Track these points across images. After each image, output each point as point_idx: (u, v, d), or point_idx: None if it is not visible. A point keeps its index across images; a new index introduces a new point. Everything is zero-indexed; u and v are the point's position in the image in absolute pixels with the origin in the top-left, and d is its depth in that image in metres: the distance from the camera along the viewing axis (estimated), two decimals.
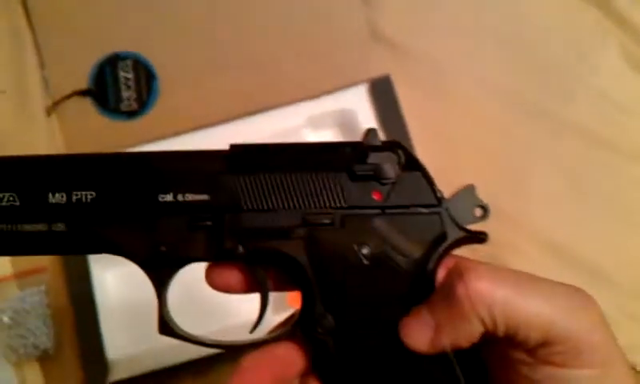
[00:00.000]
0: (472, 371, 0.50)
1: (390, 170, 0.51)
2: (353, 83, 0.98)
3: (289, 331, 0.52)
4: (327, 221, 0.51)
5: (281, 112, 0.97)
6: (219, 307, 0.91)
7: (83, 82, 1.02)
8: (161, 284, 0.53)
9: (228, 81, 1.01)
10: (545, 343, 0.45)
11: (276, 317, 0.90)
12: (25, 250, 0.52)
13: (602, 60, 1.02)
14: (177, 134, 0.97)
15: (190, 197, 0.50)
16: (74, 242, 0.51)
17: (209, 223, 0.50)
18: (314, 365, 0.52)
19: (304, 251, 0.50)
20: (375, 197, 0.51)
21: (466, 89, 1.01)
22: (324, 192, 0.51)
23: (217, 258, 0.51)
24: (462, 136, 0.97)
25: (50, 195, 0.50)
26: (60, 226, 0.50)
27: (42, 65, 1.02)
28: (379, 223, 0.50)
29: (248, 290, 0.54)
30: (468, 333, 0.46)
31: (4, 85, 1.02)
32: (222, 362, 0.90)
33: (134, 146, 0.95)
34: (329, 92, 0.97)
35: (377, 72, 0.99)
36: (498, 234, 0.57)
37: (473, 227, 0.52)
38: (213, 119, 0.97)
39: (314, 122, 0.97)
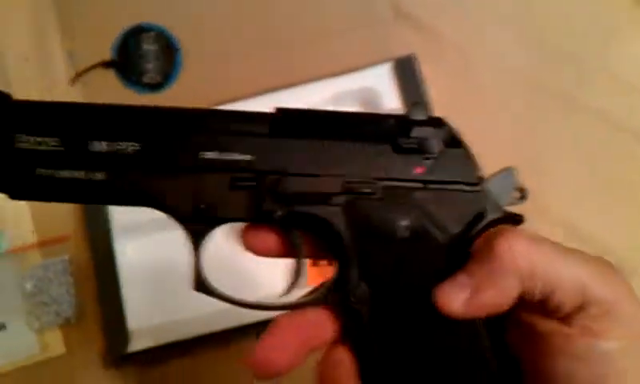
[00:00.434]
0: (504, 358, 0.50)
1: (434, 144, 0.51)
2: (377, 62, 0.97)
3: (322, 297, 0.52)
4: (368, 190, 0.50)
5: (304, 89, 0.97)
6: (245, 282, 0.91)
7: (107, 53, 1.02)
8: (197, 240, 0.52)
9: (252, 57, 1.01)
10: (580, 306, 0.45)
11: (298, 290, 0.92)
12: (61, 196, 0.52)
13: (627, 48, 1.02)
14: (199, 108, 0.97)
15: (234, 155, 0.50)
16: (113, 192, 0.51)
17: (250, 183, 0.51)
18: (345, 334, 0.53)
19: (343, 218, 0.50)
20: (417, 171, 0.51)
21: (490, 71, 1.01)
22: (366, 162, 0.51)
23: (255, 219, 0.51)
24: (484, 117, 0.97)
25: (94, 143, 0.50)
26: (99, 176, 0.50)
27: (65, 35, 1.03)
28: (420, 197, 0.50)
29: (282, 254, 0.54)
30: (507, 291, 0.46)
31: (28, 53, 1.03)
32: (244, 334, 0.91)
33: None
34: (353, 70, 0.97)
35: (401, 51, 0.98)
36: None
37: (510, 209, 0.52)
38: (236, 95, 0.97)
39: (337, 100, 0.97)
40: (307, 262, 0.90)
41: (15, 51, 1.03)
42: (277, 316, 0.52)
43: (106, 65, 1.02)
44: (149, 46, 1.01)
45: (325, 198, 0.51)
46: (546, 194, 0.95)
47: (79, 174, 0.50)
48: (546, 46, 1.02)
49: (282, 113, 0.52)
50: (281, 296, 0.55)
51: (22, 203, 0.97)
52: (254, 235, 0.53)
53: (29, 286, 0.94)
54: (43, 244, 0.97)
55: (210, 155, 0.50)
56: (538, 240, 0.47)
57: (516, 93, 1.00)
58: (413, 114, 0.52)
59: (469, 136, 0.54)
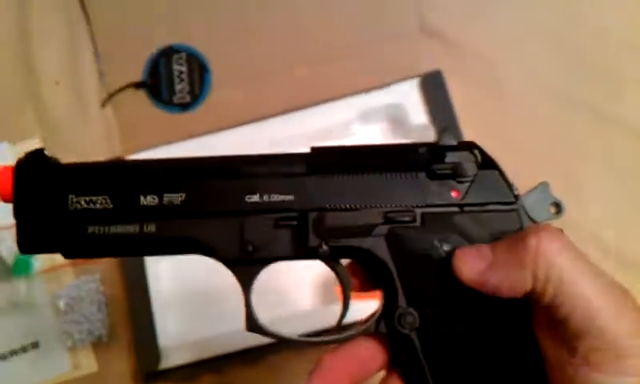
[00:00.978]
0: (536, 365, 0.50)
1: (469, 168, 0.52)
2: (404, 78, 0.98)
3: (371, 327, 0.53)
4: (408, 218, 0.52)
5: (331, 106, 0.97)
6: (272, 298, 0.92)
7: (138, 75, 1.04)
8: (247, 282, 0.54)
9: (279, 76, 1.02)
10: (585, 332, 0.45)
11: (325, 308, 0.92)
12: (112, 250, 0.54)
13: None
14: (228, 127, 0.98)
15: (275, 197, 0.52)
16: (163, 243, 0.53)
17: (294, 222, 0.52)
18: (395, 361, 0.54)
19: (386, 248, 0.52)
20: (454, 194, 0.52)
21: (517, 86, 1.01)
22: (404, 191, 0.52)
23: (301, 256, 0.53)
24: (513, 133, 0.97)
25: (142, 198, 0.52)
26: (151, 227, 0.52)
27: (97, 57, 1.05)
28: (459, 220, 0.52)
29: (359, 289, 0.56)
30: (517, 282, 0.47)
31: (59, 76, 1.05)
32: (274, 351, 0.92)
33: (186, 138, 0.97)
34: (379, 86, 0.98)
35: (428, 67, 0.99)
36: None
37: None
38: (264, 113, 0.98)
39: (364, 116, 0.97)
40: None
41: (47, 74, 1.05)
42: (326, 352, 0.54)
43: (137, 86, 1.03)
44: (179, 67, 1.03)
45: (367, 230, 0.52)
46: (576, 209, 0.93)
47: (131, 229, 0.52)
48: (577, 58, 1.01)
49: (317, 151, 0.54)
50: (336, 329, 0.55)
51: None
52: None
53: (61, 304, 0.95)
54: (76, 263, 0.98)
55: (253, 199, 0.52)
56: (572, 250, 0.47)
57: (545, 106, 1.00)
58: (444, 140, 0.53)
59: (497, 151, 0.54)
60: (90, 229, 0.52)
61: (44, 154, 0.53)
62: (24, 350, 0.96)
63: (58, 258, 0.95)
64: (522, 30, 1.03)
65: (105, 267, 0.98)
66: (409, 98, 0.97)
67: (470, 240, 0.51)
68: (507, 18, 1.03)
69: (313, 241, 0.52)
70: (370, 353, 0.54)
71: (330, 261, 0.55)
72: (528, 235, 0.47)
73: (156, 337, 0.93)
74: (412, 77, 0.98)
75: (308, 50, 1.03)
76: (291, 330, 0.90)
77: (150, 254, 0.56)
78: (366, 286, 0.57)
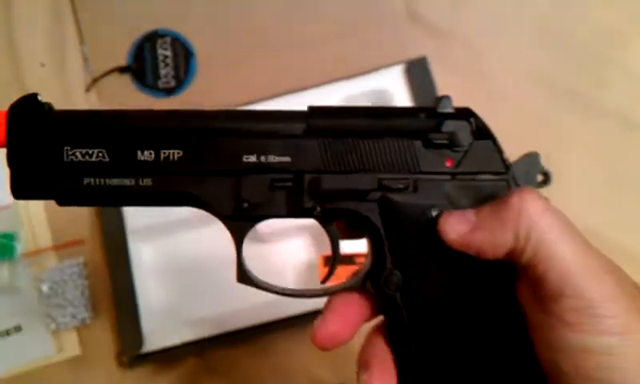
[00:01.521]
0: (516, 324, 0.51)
1: (464, 138, 0.53)
2: (389, 64, 0.98)
3: (357, 281, 0.55)
4: (401, 185, 0.53)
5: (317, 91, 0.98)
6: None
7: (122, 59, 1.03)
8: (240, 237, 0.55)
9: (265, 60, 1.01)
10: (561, 294, 0.46)
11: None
12: (108, 201, 0.55)
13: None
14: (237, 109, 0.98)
15: (272, 158, 0.53)
16: (159, 196, 0.53)
17: (289, 183, 0.53)
18: (382, 321, 0.56)
19: (378, 212, 0.53)
20: (447, 163, 0.53)
21: (503, 73, 1.01)
22: (399, 158, 0.53)
23: (295, 215, 0.54)
24: (498, 120, 0.96)
25: (139, 153, 0.52)
26: (147, 181, 0.53)
27: (81, 41, 1.04)
28: (449, 188, 0.53)
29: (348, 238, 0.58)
30: (499, 241, 0.48)
31: (44, 58, 1.04)
32: (259, 333, 0.93)
33: None
34: (365, 72, 0.98)
35: (413, 53, 0.99)
36: None
37: None
38: (249, 98, 0.98)
39: (349, 102, 0.97)
40: (319, 262, 0.91)
41: (32, 57, 1.04)
42: (330, 299, 0.56)
43: (122, 70, 1.03)
44: (164, 52, 1.03)
45: (360, 194, 0.53)
46: (561, 194, 0.94)
47: (127, 182, 0.53)
48: (564, 46, 1.02)
49: (315, 111, 0.54)
50: (322, 282, 0.58)
51: (38, 207, 0.98)
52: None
53: (45, 288, 0.95)
54: (59, 247, 0.98)
55: (250, 159, 0.53)
56: (553, 213, 0.48)
57: (531, 93, 1.01)
58: (441, 107, 0.54)
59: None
60: (86, 180, 0.52)
61: (37, 100, 0.52)
62: (7, 333, 0.96)
63: (41, 241, 0.97)
64: (509, 16, 1.03)
65: (88, 250, 0.98)
66: (394, 83, 0.97)
67: (458, 207, 0.52)
68: (494, 4, 1.04)
69: (307, 202, 0.53)
70: (358, 306, 0.56)
71: (323, 221, 0.55)
72: (511, 196, 0.48)
73: (139, 320, 0.93)
74: (397, 63, 0.98)
75: (293, 36, 1.03)
76: (269, 315, 0.92)
77: (146, 205, 0.56)
78: (353, 237, 0.59)
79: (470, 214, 0.50)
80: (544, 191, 0.52)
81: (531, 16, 1.03)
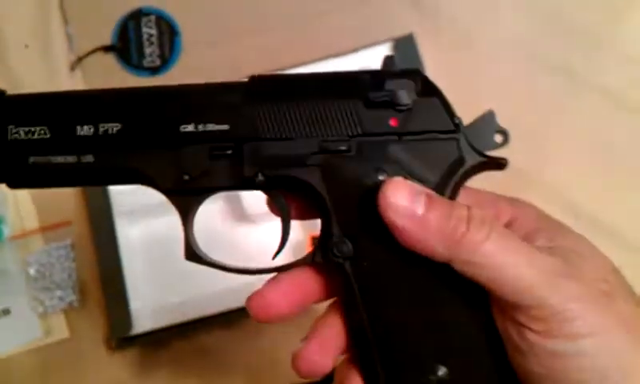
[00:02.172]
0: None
1: (405, 96, 0.51)
2: (376, 42, 0.97)
3: (308, 256, 0.54)
4: (344, 147, 0.51)
5: (303, 70, 0.96)
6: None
7: (107, 38, 1.02)
8: (185, 212, 0.54)
9: (251, 39, 1.00)
10: (520, 306, 0.45)
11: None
12: (55, 181, 0.54)
13: (632, 24, 1.01)
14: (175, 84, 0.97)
15: (210, 127, 0.52)
16: (102, 173, 0.53)
17: (229, 152, 0.52)
18: (335, 291, 0.55)
19: (321, 177, 0.52)
20: (392, 123, 0.51)
21: (491, 49, 1.00)
22: (340, 120, 0.52)
23: (238, 186, 0.53)
24: (486, 96, 0.96)
25: (79, 128, 0.52)
26: (88, 158, 0.52)
27: (65, 20, 1.02)
28: (395, 149, 0.51)
29: (299, 217, 0.57)
30: (435, 253, 0.47)
31: (27, 39, 1.03)
32: (247, 315, 0.91)
33: None
34: (352, 50, 0.97)
35: (400, 31, 0.98)
36: (518, 191, 0.57)
37: (493, 153, 0.52)
38: (235, 77, 0.96)
39: None
40: (308, 242, 0.91)
41: (16, 38, 1.03)
42: (267, 279, 0.55)
43: (106, 49, 1.02)
44: (148, 30, 1.01)
45: (301, 160, 0.52)
46: (545, 170, 0.94)
47: (70, 159, 0.53)
48: (553, 22, 1.01)
49: (255, 80, 0.54)
50: (272, 258, 0.57)
51: (24, 190, 0.97)
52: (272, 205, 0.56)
53: (32, 271, 0.94)
54: (45, 229, 0.97)
55: (187, 128, 0.52)
56: (499, 234, 0.46)
57: (520, 70, 1.00)
58: (386, 68, 0.53)
59: (470, 115, 0.54)
60: (31, 159, 0.53)
61: None
62: None
63: (28, 224, 0.96)
64: None
65: (76, 232, 0.97)
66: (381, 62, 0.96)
67: (407, 170, 0.51)
68: None
69: (248, 171, 0.52)
70: (308, 283, 0.55)
71: (268, 190, 0.55)
72: (460, 218, 0.46)
73: (127, 302, 0.93)
74: (384, 41, 0.97)
75: (280, 14, 1.01)
76: None
77: (92, 184, 0.57)
78: (307, 216, 0.57)
79: (421, 199, 0.47)
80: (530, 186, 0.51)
81: None
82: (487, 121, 0.52)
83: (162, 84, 0.55)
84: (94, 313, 0.96)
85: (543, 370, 0.46)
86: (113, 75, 1.01)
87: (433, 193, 0.49)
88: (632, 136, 0.98)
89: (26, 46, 1.03)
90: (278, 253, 0.57)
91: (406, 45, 0.96)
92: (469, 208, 0.47)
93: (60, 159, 0.53)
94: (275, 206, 0.56)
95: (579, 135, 0.98)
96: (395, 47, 0.96)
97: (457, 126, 0.51)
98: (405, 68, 0.53)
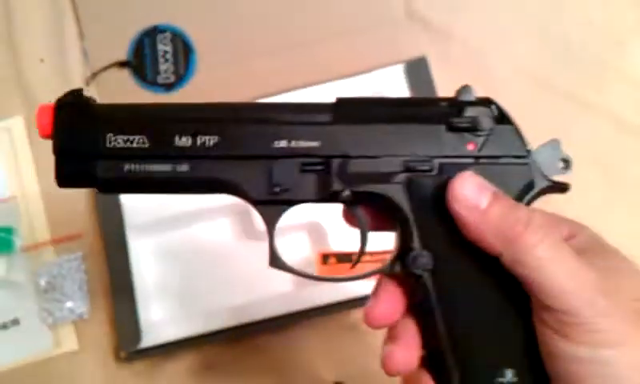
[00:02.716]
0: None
1: (486, 122, 0.54)
2: (389, 64, 0.98)
3: (387, 267, 0.57)
4: (426, 168, 0.55)
5: (316, 90, 0.98)
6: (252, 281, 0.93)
7: (122, 54, 1.03)
8: (272, 221, 0.57)
9: (265, 58, 1.02)
10: (551, 309, 0.47)
11: (298, 291, 0.93)
12: (147, 188, 0.57)
13: (638, 51, 1.02)
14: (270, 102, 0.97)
15: (302, 143, 0.55)
16: (194, 182, 0.56)
17: (318, 167, 0.55)
18: (412, 301, 0.58)
19: (403, 194, 0.55)
20: (470, 147, 0.55)
21: (502, 74, 1.01)
22: (423, 141, 0.55)
23: (324, 199, 0.56)
24: None
25: (177, 138, 0.55)
26: (184, 167, 0.55)
27: (81, 36, 1.04)
28: (472, 170, 0.54)
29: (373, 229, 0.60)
30: (490, 246, 0.50)
31: (43, 54, 1.04)
32: (256, 330, 0.93)
33: None
34: (364, 71, 0.98)
35: (413, 53, 0.99)
36: None
37: (555, 178, 0.55)
38: (248, 96, 0.98)
39: None
40: (317, 258, 0.91)
41: (31, 52, 1.04)
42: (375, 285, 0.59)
43: (121, 65, 1.03)
44: (164, 47, 1.03)
45: (386, 177, 0.55)
46: (558, 196, 0.94)
47: (165, 168, 0.55)
48: (562, 49, 1.03)
49: (342, 101, 0.57)
50: (351, 267, 0.60)
51: (37, 201, 0.98)
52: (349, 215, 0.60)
53: (43, 282, 0.95)
54: (57, 241, 0.98)
55: (281, 144, 0.55)
56: (551, 242, 0.49)
57: (529, 95, 1.01)
58: (462, 96, 0.56)
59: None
60: (127, 166, 0.55)
61: (83, 94, 0.57)
62: (4, 327, 0.96)
63: (39, 236, 0.97)
64: (508, 18, 1.04)
65: (87, 245, 0.98)
66: (394, 83, 0.98)
67: None
68: (493, 6, 1.04)
69: (336, 186, 0.55)
70: (392, 290, 0.58)
71: (350, 204, 0.58)
72: (519, 219, 0.49)
73: (137, 315, 0.93)
74: (397, 63, 0.99)
75: (294, 34, 1.03)
76: (266, 312, 0.92)
77: (183, 192, 0.59)
78: (381, 227, 0.60)
79: (488, 193, 0.51)
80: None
81: (530, 17, 1.04)
82: (553, 147, 0.55)
83: (254, 101, 0.58)
84: (104, 325, 0.96)
85: (562, 371, 0.48)
86: (127, 91, 1.03)
87: (499, 191, 0.52)
88: (636, 159, 1.00)
89: (42, 61, 1.04)
90: (356, 262, 0.60)
91: (418, 67, 0.98)
92: (532, 211, 0.51)
93: (156, 168, 0.55)
94: (352, 218, 0.59)
95: (588, 160, 0.99)
96: (408, 69, 0.98)
97: (528, 152, 0.55)
98: (479, 96, 0.56)
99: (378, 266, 0.58)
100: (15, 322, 0.96)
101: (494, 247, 0.50)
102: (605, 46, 1.02)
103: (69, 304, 0.94)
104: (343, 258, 0.90)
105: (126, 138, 0.55)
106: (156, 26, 1.03)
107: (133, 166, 0.55)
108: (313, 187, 0.56)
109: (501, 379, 0.53)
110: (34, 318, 0.96)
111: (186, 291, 0.96)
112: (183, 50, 1.03)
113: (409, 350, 0.56)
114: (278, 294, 0.92)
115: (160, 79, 1.03)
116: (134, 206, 0.95)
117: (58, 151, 0.55)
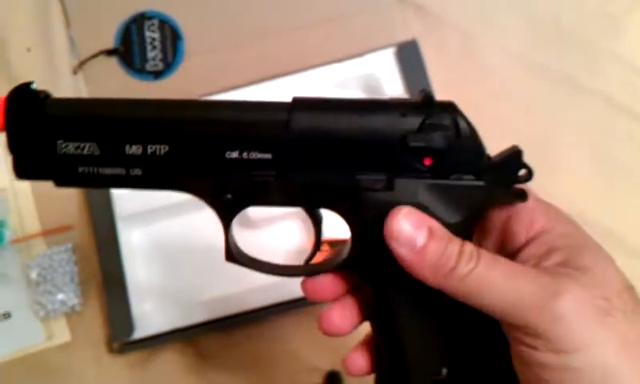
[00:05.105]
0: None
1: (441, 139, 0.52)
2: (379, 47, 0.97)
3: (339, 263, 0.57)
4: (378, 186, 0.54)
5: (306, 75, 0.97)
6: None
7: (109, 42, 1.02)
8: (227, 220, 0.57)
9: (254, 43, 1.00)
10: (510, 325, 0.48)
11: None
12: (102, 185, 0.57)
13: (631, 33, 1.01)
14: (201, 96, 0.97)
15: (254, 155, 0.54)
16: (149, 183, 0.56)
17: (271, 179, 0.54)
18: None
19: (353, 209, 0.54)
20: (426, 162, 0.53)
21: (493, 56, 1.00)
22: (377, 158, 0.53)
23: (278, 205, 0.56)
24: (487, 103, 0.97)
25: (128, 147, 0.54)
26: (137, 171, 0.55)
27: (68, 24, 1.02)
28: (426, 188, 0.53)
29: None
30: (426, 280, 0.51)
31: (30, 43, 1.02)
32: (248, 320, 0.93)
33: None
34: (355, 56, 0.97)
35: (403, 36, 0.98)
36: None
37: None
38: (238, 82, 0.97)
39: (340, 86, 0.97)
40: (311, 247, 0.90)
41: (18, 41, 1.02)
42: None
43: (109, 53, 1.01)
44: (151, 34, 1.01)
45: (338, 192, 0.54)
46: (550, 179, 0.94)
47: (118, 171, 0.55)
48: (553, 30, 1.01)
49: (298, 104, 0.55)
50: (305, 262, 0.61)
51: (26, 193, 0.97)
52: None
53: (33, 274, 0.94)
54: (47, 233, 0.97)
55: (232, 155, 0.54)
56: (482, 262, 0.49)
57: (520, 77, 1.00)
58: (424, 103, 0.53)
59: (471, 120, 0.54)
60: (80, 169, 0.55)
61: (31, 89, 0.55)
62: None
63: (29, 228, 0.96)
64: (500, 0, 1.02)
65: (78, 236, 0.97)
66: (384, 67, 0.97)
67: (433, 210, 0.53)
68: None
69: (288, 196, 0.55)
70: (334, 287, 0.60)
71: (307, 208, 0.59)
72: (451, 255, 0.49)
73: (129, 306, 0.93)
74: (387, 46, 0.97)
75: (283, 19, 1.01)
76: (257, 302, 0.92)
77: (139, 189, 0.58)
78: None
79: (422, 234, 0.51)
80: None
81: (522, 1, 1.03)
82: (514, 157, 0.53)
83: (203, 100, 0.57)
84: (96, 316, 0.95)
85: (532, 376, 0.48)
86: (115, 79, 1.01)
87: (435, 225, 0.51)
88: (633, 144, 0.99)
89: (28, 50, 1.02)
90: (310, 258, 0.61)
91: (409, 50, 0.97)
92: (462, 243, 0.50)
93: (108, 171, 0.55)
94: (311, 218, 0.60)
95: (581, 142, 0.98)
96: (398, 52, 0.97)
97: (488, 167, 0.53)
98: (440, 101, 0.53)
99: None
100: (7, 315, 0.95)
101: (433, 284, 0.50)
102: (598, 27, 1.01)
103: (60, 296, 0.94)
104: (337, 245, 0.89)
105: (76, 144, 0.54)
106: (143, 13, 1.02)
107: (86, 169, 0.55)
108: (266, 195, 0.55)
109: (436, 378, 0.54)
110: (26, 310, 0.95)
111: (177, 282, 0.95)
112: (171, 37, 1.01)
113: (343, 316, 0.59)
114: (268, 283, 0.91)
115: (148, 67, 1.01)
116: (124, 195, 0.94)
117: (11, 148, 0.55)
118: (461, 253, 0.49)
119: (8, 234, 0.95)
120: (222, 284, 0.93)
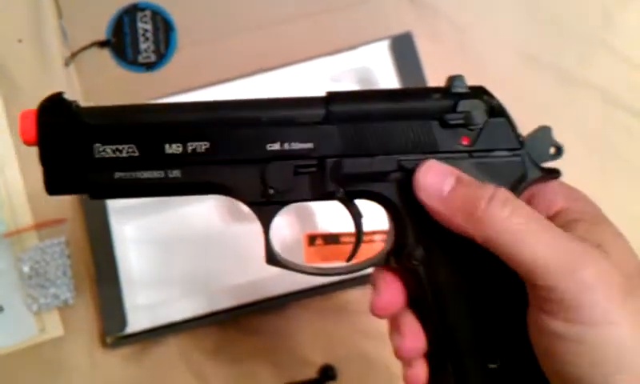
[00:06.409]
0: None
1: (479, 117, 0.54)
2: (374, 39, 0.97)
3: (382, 260, 0.58)
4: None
5: (301, 68, 0.96)
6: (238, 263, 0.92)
7: (101, 33, 1.01)
8: (267, 221, 0.57)
9: (247, 36, 0.99)
10: (532, 284, 0.48)
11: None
12: (139, 193, 0.56)
13: (625, 24, 1.01)
14: (194, 88, 0.96)
15: (295, 145, 0.55)
16: (188, 186, 0.56)
17: (312, 169, 0.55)
18: (410, 294, 0.59)
19: (397, 192, 0.55)
20: (464, 142, 0.54)
21: (488, 49, 1.00)
22: (417, 139, 0.55)
23: (319, 198, 0.56)
24: None
25: (167, 146, 0.54)
26: (176, 173, 0.55)
27: (60, 15, 1.01)
28: (466, 166, 0.54)
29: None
30: (459, 228, 0.51)
31: (21, 34, 1.01)
32: (241, 314, 0.93)
33: (151, 98, 0.95)
34: (349, 48, 0.96)
35: (398, 29, 0.97)
36: None
37: (547, 165, 0.56)
38: (231, 74, 0.96)
39: (334, 78, 0.96)
40: (304, 240, 0.90)
41: (9, 33, 1.01)
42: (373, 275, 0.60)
43: (101, 44, 1.01)
44: (144, 25, 1.00)
45: (380, 176, 0.55)
46: None
47: (157, 174, 0.55)
48: (546, 21, 1.01)
49: (333, 97, 0.56)
50: (347, 260, 0.61)
51: (19, 186, 0.97)
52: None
53: (26, 268, 0.94)
54: (40, 226, 0.96)
55: (274, 147, 0.55)
56: (522, 215, 0.49)
57: (516, 70, 1.00)
58: (455, 87, 0.55)
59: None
60: (117, 174, 0.54)
61: (64, 99, 0.54)
62: None
63: (22, 221, 0.95)
64: None
65: (70, 230, 0.96)
66: (379, 60, 0.96)
67: None
68: None
69: (330, 186, 0.55)
70: (391, 280, 0.59)
71: (345, 202, 0.58)
72: (483, 196, 0.49)
73: (122, 300, 0.92)
74: (382, 39, 0.97)
75: (278, 11, 1.01)
76: (253, 295, 0.91)
77: (176, 195, 0.58)
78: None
79: (450, 180, 0.51)
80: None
81: None
82: (544, 135, 0.56)
83: (244, 99, 0.57)
84: (89, 310, 0.95)
85: (541, 347, 0.49)
86: (107, 71, 1.00)
87: (463, 174, 0.52)
88: (629, 135, 0.99)
89: (20, 41, 1.01)
90: (352, 256, 0.61)
91: (403, 43, 0.96)
92: (496, 189, 0.50)
93: (147, 175, 0.54)
94: (350, 213, 0.59)
95: (574, 133, 0.98)
96: (393, 45, 0.96)
97: (521, 143, 0.55)
98: (471, 86, 0.56)
99: (369, 247, 0.58)
100: (0, 309, 0.95)
101: (466, 230, 0.50)
102: (592, 19, 1.01)
103: (53, 290, 0.93)
104: (330, 239, 0.89)
105: (114, 147, 0.54)
106: (135, 4, 1.01)
107: (123, 174, 0.54)
108: (307, 188, 0.56)
109: (491, 365, 0.55)
110: (18, 304, 0.95)
111: (170, 275, 0.95)
112: (164, 29, 1.00)
113: (415, 341, 0.57)
114: (264, 276, 0.91)
115: (141, 58, 1.00)
116: None
117: (44, 162, 0.54)
118: (493, 197, 0.49)
119: (0, 228, 0.95)
120: (215, 277, 0.92)
